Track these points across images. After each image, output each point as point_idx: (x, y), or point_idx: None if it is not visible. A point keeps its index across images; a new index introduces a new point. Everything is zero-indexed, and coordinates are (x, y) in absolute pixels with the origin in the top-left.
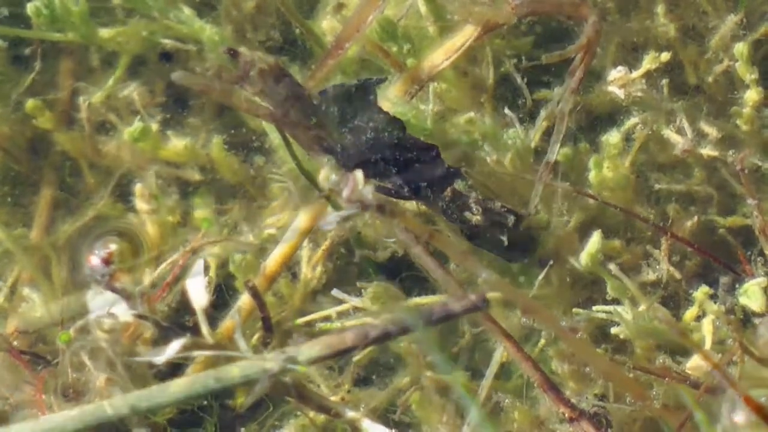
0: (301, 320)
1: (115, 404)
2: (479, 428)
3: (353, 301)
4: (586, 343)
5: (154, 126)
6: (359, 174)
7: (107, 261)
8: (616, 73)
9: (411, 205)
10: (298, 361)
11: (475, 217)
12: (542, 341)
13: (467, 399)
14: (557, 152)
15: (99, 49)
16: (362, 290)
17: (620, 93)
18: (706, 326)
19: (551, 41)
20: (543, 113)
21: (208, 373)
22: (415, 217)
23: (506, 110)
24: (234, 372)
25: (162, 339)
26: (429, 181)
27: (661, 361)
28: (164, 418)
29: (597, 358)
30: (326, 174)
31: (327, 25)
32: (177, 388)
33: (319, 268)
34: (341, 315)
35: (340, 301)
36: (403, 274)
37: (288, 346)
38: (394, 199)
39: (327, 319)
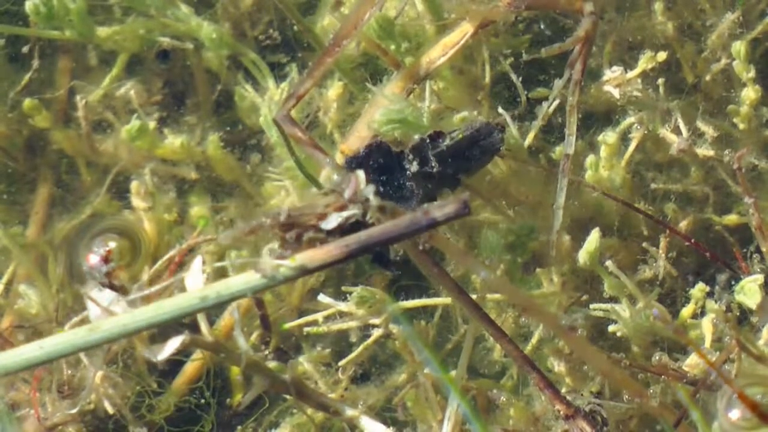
0: (288, 325)
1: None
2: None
3: (339, 306)
4: (584, 342)
5: (151, 124)
6: (361, 174)
7: (106, 259)
8: (612, 73)
9: None
10: (290, 267)
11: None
12: (536, 338)
13: (456, 396)
14: (573, 144)
15: (96, 48)
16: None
17: (616, 92)
18: (706, 325)
19: (548, 40)
20: (540, 112)
21: (193, 292)
22: None
23: (500, 109)
24: (221, 288)
25: (160, 336)
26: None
27: (658, 358)
28: (162, 416)
29: (595, 356)
30: (328, 173)
31: (325, 22)
32: (165, 307)
33: None
34: (328, 319)
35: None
36: (399, 272)
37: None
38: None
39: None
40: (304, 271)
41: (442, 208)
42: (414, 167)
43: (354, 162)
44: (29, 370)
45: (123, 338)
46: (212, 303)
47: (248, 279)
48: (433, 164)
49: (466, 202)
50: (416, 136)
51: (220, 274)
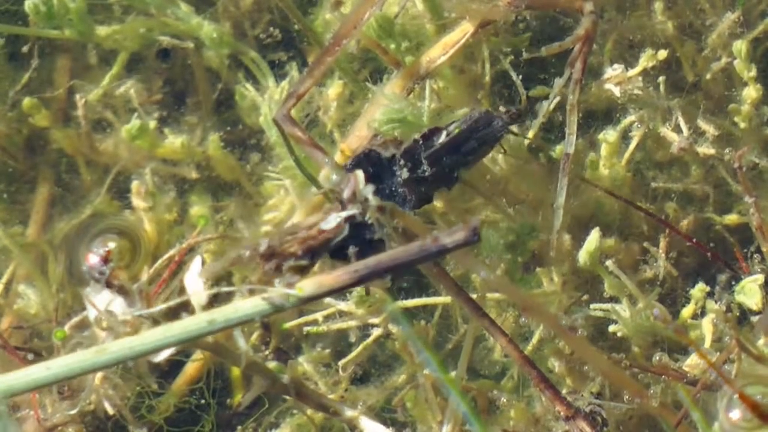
0: (288, 324)
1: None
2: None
3: (339, 305)
4: (585, 342)
5: (152, 123)
6: (360, 174)
7: (106, 259)
8: (613, 72)
9: None
10: (298, 297)
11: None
12: (536, 338)
13: (456, 396)
14: (574, 143)
15: (96, 47)
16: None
17: (617, 91)
18: (706, 325)
19: (548, 39)
20: (541, 111)
21: (201, 316)
22: (415, 217)
23: (500, 108)
24: (229, 312)
25: None
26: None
27: (658, 358)
28: (162, 416)
29: (596, 356)
30: (327, 173)
31: (325, 21)
32: (173, 330)
33: (317, 266)
34: (327, 318)
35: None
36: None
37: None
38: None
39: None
40: (313, 298)
41: (451, 235)
42: (404, 174)
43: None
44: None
45: (130, 360)
46: (220, 327)
47: (256, 303)
48: (425, 168)
49: (476, 230)
50: (411, 138)
51: (221, 273)
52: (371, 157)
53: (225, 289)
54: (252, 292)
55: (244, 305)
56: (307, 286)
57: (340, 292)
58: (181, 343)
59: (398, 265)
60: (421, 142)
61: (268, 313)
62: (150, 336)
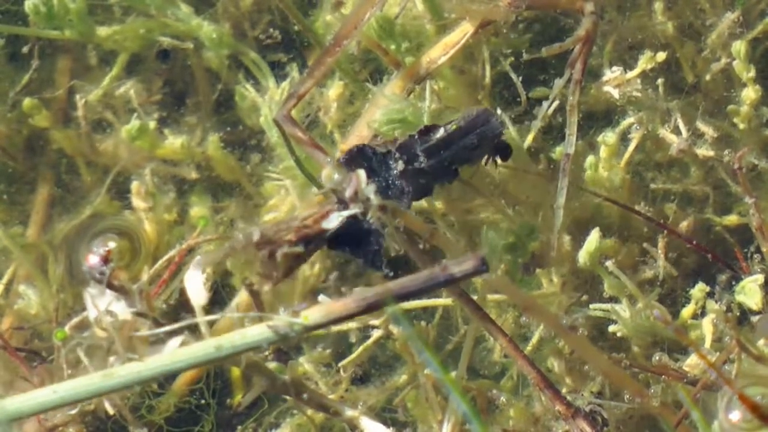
0: None
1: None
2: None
3: None
4: (585, 342)
5: (152, 124)
6: (362, 173)
7: (106, 259)
8: (612, 74)
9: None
10: (304, 325)
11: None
12: (536, 338)
13: (456, 396)
14: (574, 144)
15: (96, 47)
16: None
17: (616, 93)
18: (706, 325)
19: (549, 40)
20: (541, 112)
21: (209, 342)
22: (416, 216)
23: (498, 110)
24: (236, 339)
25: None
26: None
27: (658, 358)
28: (162, 416)
29: (596, 356)
30: (328, 173)
31: (326, 22)
32: (179, 356)
33: (318, 266)
34: None
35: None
36: (400, 272)
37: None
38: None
39: None
40: (320, 326)
41: (460, 264)
42: (400, 165)
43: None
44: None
45: (137, 385)
46: (227, 353)
47: (263, 331)
48: (421, 160)
49: (484, 260)
50: (407, 134)
51: (221, 273)
52: (365, 152)
53: (230, 314)
54: (259, 320)
55: (251, 332)
56: (314, 314)
57: (348, 320)
58: (188, 368)
59: (406, 294)
60: (417, 137)
61: (274, 340)
62: (157, 361)
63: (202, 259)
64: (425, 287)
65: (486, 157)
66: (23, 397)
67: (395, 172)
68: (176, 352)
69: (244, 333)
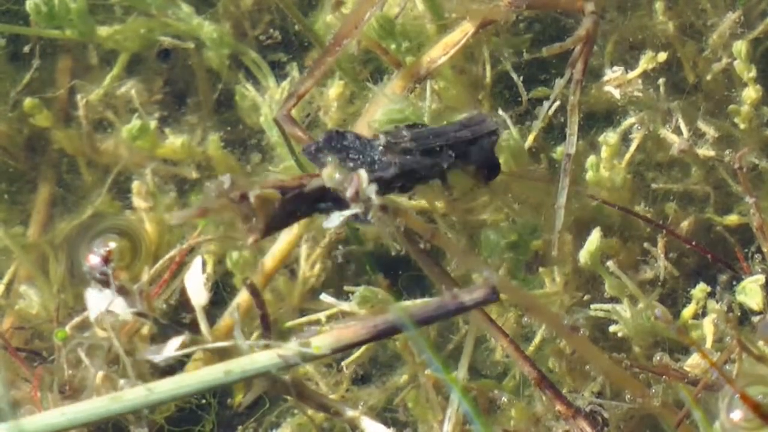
0: (290, 323)
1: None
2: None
3: (342, 305)
4: (586, 342)
5: (152, 123)
6: (363, 173)
7: (106, 259)
8: (613, 74)
9: (410, 203)
10: (315, 352)
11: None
12: (538, 338)
13: (458, 395)
14: (575, 144)
15: (97, 47)
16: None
17: (617, 93)
18: (707, 325)
19: (549, 40)
20: (541, 112)
21: (218, 366)
22: (417, 216)
23: (499, 111)
24: (245, 364)
25: (160, 337)
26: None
27: (659, 358)
28: (162, 416)
29: (597, 356)
30: (330, 173)
31: (326, 22)
32: (187, 380)
33: (317, 266)
34: (330, 318)
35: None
36: (401, 272)
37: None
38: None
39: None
40: (331, 353)
41: (470, 293)
42: (383, 140)
43: (313, 147)
44: None
45: (145, 408)
46: (236, 377)
47: (272, 357)
48: (406, 139)
49: (495, 289)
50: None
51: (222, 273)
52: (343, 134)
53: (236, 342)
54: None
55: (260, 358)
56: (325, 341)
57: (358, 346)
58: (196, 393)
59: (417, 322)
60: (404, 126)
61: (283, 367)
62: (164, 386)
63: (175, 214)
64: (436, 315)
65: (476, 168)
66: (31, 419)
67: (380, 148)
68: (185, 377)
69: (254, 359)
